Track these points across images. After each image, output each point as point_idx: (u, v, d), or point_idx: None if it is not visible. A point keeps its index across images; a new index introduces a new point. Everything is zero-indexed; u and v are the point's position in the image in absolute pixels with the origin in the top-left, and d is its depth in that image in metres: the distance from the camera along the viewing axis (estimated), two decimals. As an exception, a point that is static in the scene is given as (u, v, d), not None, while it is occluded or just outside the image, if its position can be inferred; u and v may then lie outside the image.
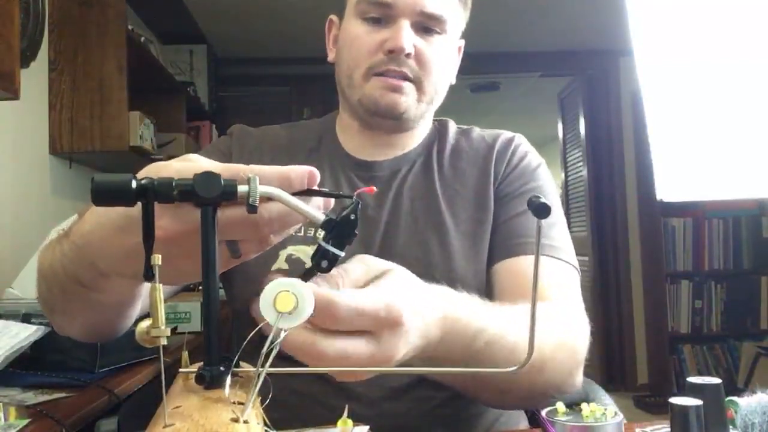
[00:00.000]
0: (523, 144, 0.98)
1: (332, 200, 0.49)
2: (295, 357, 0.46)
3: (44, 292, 0.70)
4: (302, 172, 0.46)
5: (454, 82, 0.97)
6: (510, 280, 0.85)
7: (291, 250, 0.86)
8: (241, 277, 0.89)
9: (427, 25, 0.87)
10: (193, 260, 0.44)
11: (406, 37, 0.84)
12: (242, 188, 0.43)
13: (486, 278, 0.88)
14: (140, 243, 0.44)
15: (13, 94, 1.44)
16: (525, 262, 0.85)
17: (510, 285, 0.84)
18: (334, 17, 0.97)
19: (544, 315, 0.71)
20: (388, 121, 0.90)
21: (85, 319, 0.71)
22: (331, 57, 0.97)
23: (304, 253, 0.85)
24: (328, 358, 0.45)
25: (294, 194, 0.46)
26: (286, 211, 0.46)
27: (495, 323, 0.61)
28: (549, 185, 0.95)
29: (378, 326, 0.46)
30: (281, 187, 0.45)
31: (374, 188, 0.50)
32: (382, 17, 0.86)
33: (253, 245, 0.50)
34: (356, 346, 0.46)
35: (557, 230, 0.89)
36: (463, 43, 0.98)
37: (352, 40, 0.89)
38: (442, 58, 0.90)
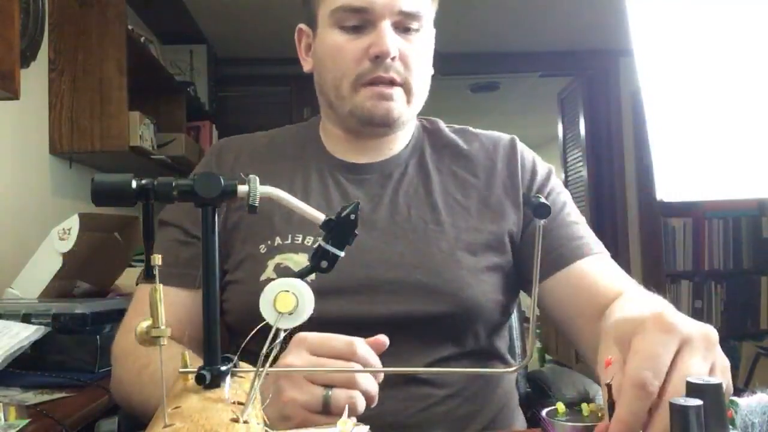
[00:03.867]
0: (525, 149, 0.99)
1: None
2: None
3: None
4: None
5: (432, 72, 0.95)
6: (583, 283, 0.87)
7: (279, 259, 0.85)
8: (233, 291, 0.88)
9: (406, 25, 0.87)
10: None
11: (390, 40, 0.84)
12: (242, 188, 0.43)
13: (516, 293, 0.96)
14: None
15: (13, 94, 1.43)
16: (587, 264, 0.88)
17: (584, 288, 0.86)
18: (303, 26, 0.95)
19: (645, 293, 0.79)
20: (381, 128, 0.90)
21: None
22: (307, 67, 0.95)
23: (293, 261, 0.85)
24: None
25: None
26: None
27: None
28: (562, 187, 0.98)
29: None
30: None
31: None
32: (360, 23, 0.85)
33: None
34: None
35: (584, 228, 0.93)
36: (434, 32, 0.95)
37: (334, 51, 0.87)
38: (424, 56, 0.90)
